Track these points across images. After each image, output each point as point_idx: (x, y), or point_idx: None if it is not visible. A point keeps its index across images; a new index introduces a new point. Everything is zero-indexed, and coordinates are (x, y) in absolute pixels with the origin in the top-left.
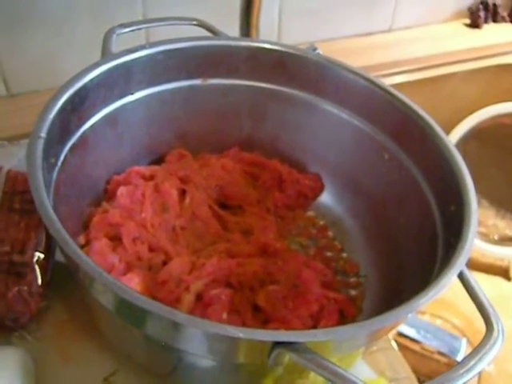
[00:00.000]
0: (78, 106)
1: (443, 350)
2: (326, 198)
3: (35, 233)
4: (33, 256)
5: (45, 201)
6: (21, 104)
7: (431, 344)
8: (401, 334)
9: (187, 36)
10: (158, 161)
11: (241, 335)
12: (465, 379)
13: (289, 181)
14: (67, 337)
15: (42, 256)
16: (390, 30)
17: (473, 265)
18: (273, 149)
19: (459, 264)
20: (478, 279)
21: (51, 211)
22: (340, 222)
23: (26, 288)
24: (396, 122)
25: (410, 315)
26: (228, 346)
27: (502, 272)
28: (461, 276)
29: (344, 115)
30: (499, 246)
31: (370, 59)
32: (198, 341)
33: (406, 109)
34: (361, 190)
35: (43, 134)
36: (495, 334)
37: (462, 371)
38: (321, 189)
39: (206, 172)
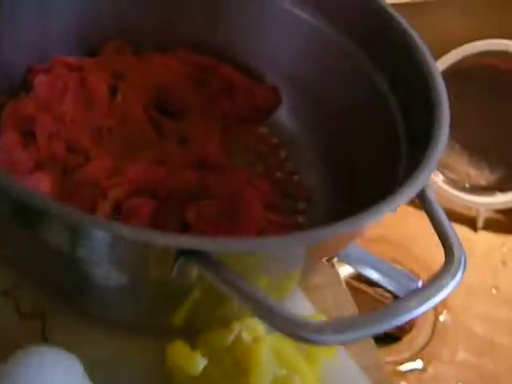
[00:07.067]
0: None
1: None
2: (282, 113)
3: None
4: None
5: None
6: None
7: (385, 285)
8: (354, 277)
9: None
10: (92, 55)
11: (127, 233)
12: (422, 309)
13: (241, 89)
14: None
15: None
16: None
17: None
18: (227, 54)
19: (421, 179)
20: None
21: None
22: (295, 141)
23: None
24: (367, 28)
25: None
26: (127, 251)
27: (468, 222)
28: (422, 196)
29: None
30: (469, 195)
31: None
32: (96, 245)
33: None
34: (320, 104)
35: None
36: (456, 263)
37: (417, 301)
38: (277, 102)
39: (143, 68)
